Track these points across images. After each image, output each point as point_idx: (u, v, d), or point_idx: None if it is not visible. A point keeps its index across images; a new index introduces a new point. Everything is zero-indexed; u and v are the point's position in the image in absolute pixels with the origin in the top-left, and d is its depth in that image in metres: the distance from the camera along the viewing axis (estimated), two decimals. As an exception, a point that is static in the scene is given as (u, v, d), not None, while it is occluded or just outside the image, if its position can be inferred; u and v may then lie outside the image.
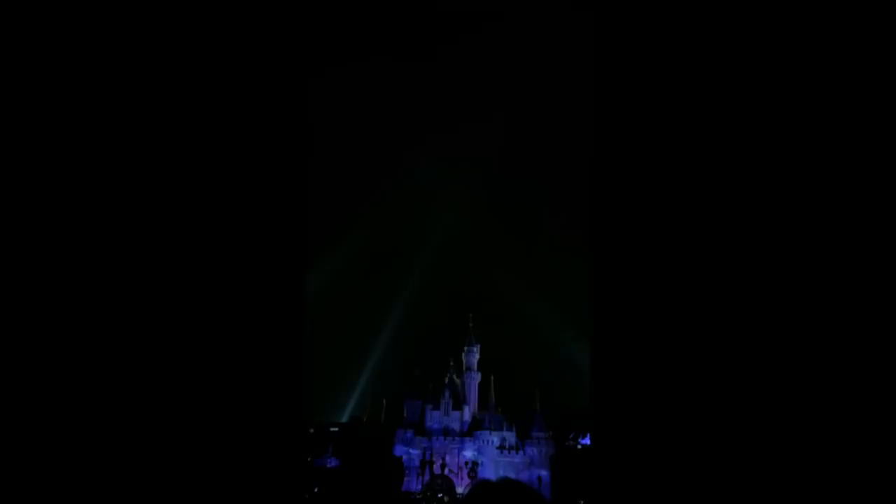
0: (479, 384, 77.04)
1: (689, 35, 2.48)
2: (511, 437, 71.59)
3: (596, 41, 2.69)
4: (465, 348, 78.59)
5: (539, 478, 66.20)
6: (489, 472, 64.08)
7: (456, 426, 73.20)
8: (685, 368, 2.35)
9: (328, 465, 59.36)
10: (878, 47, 2.32)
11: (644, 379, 2.41)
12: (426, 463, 66.90)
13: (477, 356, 78.47)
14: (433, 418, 73.46)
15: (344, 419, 76.29)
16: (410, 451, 68.41)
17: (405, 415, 73.91)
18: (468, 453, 70.12)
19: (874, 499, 2.18)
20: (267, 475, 2.47)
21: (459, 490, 66.52)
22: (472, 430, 72.59)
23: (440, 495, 64.54)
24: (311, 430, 62.86)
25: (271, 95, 2.63)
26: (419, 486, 65.64)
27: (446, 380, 76.40)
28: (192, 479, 2.36)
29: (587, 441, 67.25)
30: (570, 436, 68.55)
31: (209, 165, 2.51)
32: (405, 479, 66.79)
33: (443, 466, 68.28)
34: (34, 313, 2.29)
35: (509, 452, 70.65)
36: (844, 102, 2.32)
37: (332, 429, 68.30)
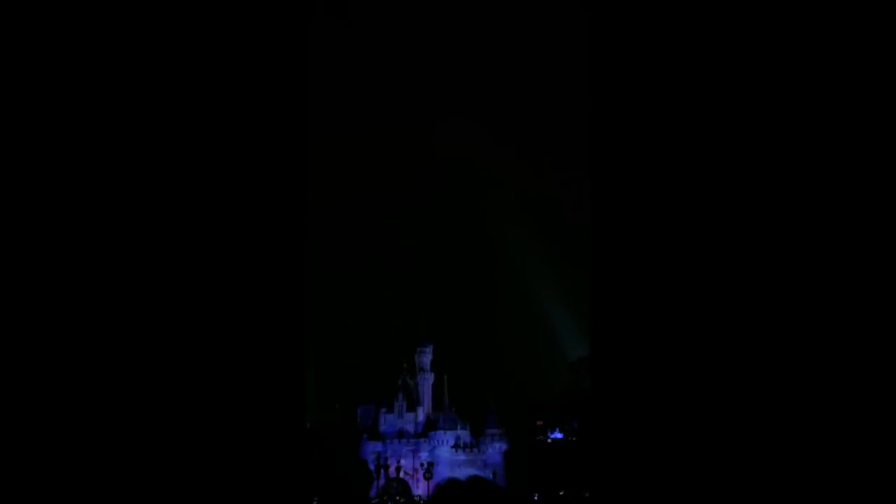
0: (433, 384, 77.10)
1: (687, 29, 2.48)
2: (465, 435, 71.64)
3: (593, 42, 2.67)
4: (418, 349, 78.37)
5: (494, 473, 66.55)
6: (444, 473, 64.20)
7: (410, 428, 73.05)
8: (685, 366, 2.37)
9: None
10: (873, 48, 2.33)
11: (644, 375, 2.42)
12: (381, 467, 66.83)
13: (430, 356, 78.29)
14: (387, 421, 73.21)
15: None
16: (365, 455, 68.30)
17: (359, 419, 73.68)
18: (423, 454, 70.13)
19: (874, 497, 2.19)
20: (266, 474, 2.47)
21: (416, 492, 66.60)
22: (426, 430, 72.45)
23: (397, 497, 64.62)
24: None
25: (271, 91, 2.59)
26: (374, 491, 65.63)
27: (399, 382, 76.25)
28: (191, 476, 2.37)
29: (557, 435, 67.46)
30: (538, 432, 68.31)
31: (208, 164, 2.50)
32: (359, 484, 66.51)
33: (398, 469, 68.26)
34: (34, 313, 2.29)
35: (464, 451, 70.84)
36: (843, 103, 2.33)
37: None
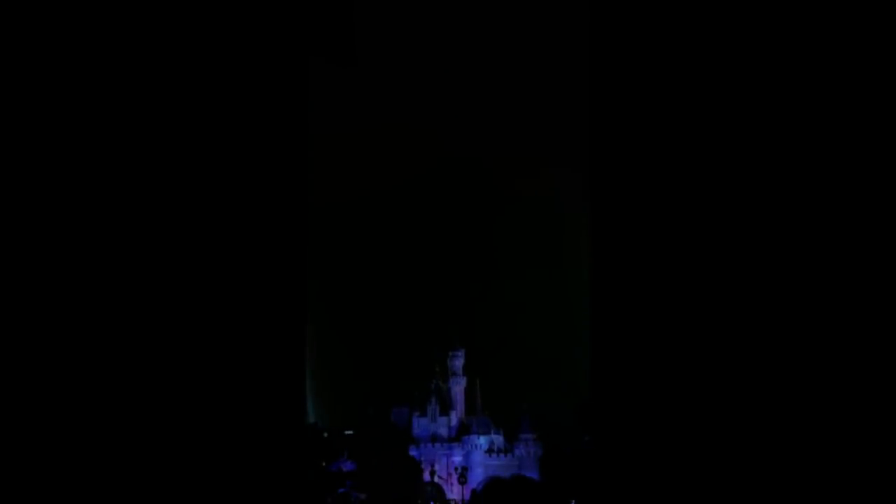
0: (465, 388, 77.12)
1: (687, 30, 2.43)
2: (499, 439, 71.73)
3: (593, 41, 2.63)
4: (450, 353, 78.54)
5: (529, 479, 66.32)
6: (478, 477, 64.06)
7: (444, 432, 73.27)
8: (686, 367, 2.32)
9: (344, 469, 58.79)
10: (876, 47, 2.29)
11: (645, 377, 2.37)
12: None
13: (462, 360, 78.46)
14: (420, 425, 73.48)
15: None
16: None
17: (392, 422, 73.74)
18: (457, 458, 70.18)
19: (874, 499, 2.16)
20: (267, 475, 2.44)
21: (451, 496, 66.49)
22: (459, 435, 72.71)
23: (431, 502, 64.50)
24: (325, 434, 61.36)
25: (270, 89, 2.56)
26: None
27: (432, 385, 76.41)
28: (192, 480, 2.34)
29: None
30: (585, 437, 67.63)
31: (208, 164, 2.45)
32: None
33: (432, 474, 68.28)
34: (33, 315, 2.27)
35: (498, 455, 70.72)
36: (843, 102, 2.29)
37: (346, 432, 66.78)
